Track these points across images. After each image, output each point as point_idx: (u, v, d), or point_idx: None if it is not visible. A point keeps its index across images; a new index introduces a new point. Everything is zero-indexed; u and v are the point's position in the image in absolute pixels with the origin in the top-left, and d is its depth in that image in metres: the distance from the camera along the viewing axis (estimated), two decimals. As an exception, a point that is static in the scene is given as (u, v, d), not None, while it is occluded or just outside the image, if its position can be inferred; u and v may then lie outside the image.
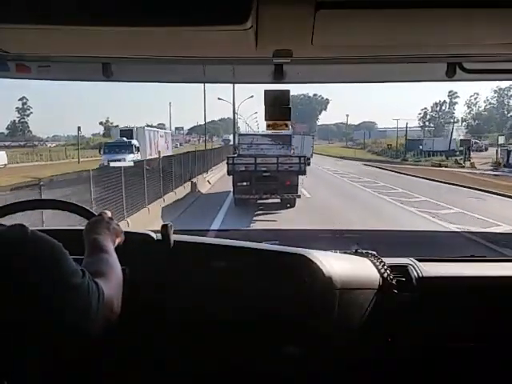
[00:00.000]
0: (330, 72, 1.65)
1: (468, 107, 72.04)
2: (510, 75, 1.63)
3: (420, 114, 73.71)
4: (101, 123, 74.91)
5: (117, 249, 1.28)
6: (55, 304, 0.94)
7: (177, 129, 77.56)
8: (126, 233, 1.42)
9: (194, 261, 1.65)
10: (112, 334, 1.40)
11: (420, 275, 1.80)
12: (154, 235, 1.66)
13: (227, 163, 15.09)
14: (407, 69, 1.59)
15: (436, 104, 74.64)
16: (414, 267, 1.83)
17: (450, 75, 1.47)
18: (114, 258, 1.23)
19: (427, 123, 72.78)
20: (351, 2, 1.02)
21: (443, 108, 74.83)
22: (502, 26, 1.13)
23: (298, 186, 14.23)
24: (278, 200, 13.88)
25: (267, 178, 14.22)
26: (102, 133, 72.07)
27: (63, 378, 1.49)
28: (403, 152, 42.68)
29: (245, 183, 14.23)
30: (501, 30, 1.16)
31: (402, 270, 1.81)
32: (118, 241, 1.35)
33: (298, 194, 14.12)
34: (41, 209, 1.74)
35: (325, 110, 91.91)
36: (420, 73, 1.66)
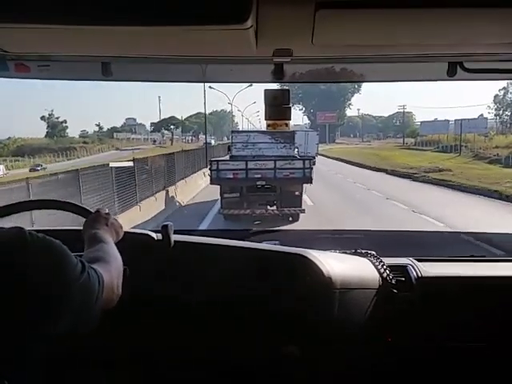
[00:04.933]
0: (330, 71, 1.65)
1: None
2: (511, 75, 1.64)
3: (498, 96, 51.06)
4: (43, 118, 56.17)
5: (117, 248, 1.28)
6: (58, 301, 0.94)
7: (153, 124, 62.07)
8: (126, 232, 1.42)
9: (194, 261, 1.65)
10: (112, 332, 1.41)
11: (419, 275, 1.80)
12: (154, 235, 1.66)
13: (210, 169, 11.74)
14: (408, 68, 1.60)
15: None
16: (413, 267, 1.83)
17: (451, 75, 1.47)
18: (112, 247, 1.24)
19: (503, 110, 50.11)
20: (351, 1, 1.02)
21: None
22: (502, 26, 1.13)
23: (301, 196, 11.39)
24: (277, 212, 11.22)
25: (262, 188, 11.42)
26: (45, 132, 54.91)
27: (64, 375, 1.49)
28: None
29: (234, 194, 11.42)
30: (502, 30, 1.16)
31: (401, 269, 1.81)
32: (116, 236, 1.36)
33: (303, 208, 11.17)
34: (37, 209, 1.74)
35: (358, 92, 64.03)
36: (421, 72, 1.67)
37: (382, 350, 1.73)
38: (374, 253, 1.88)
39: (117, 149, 48.21)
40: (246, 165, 11.56)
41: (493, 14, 1.05)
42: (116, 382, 1.61)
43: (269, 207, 11.52)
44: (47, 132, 54.94)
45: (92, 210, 1.45)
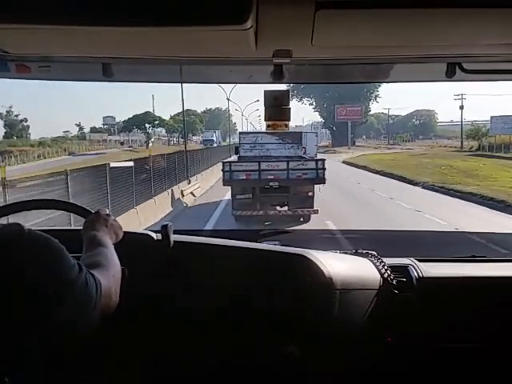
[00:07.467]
0: (329, 72, 1.66)
1: None
2: (510, 75, 1.64)
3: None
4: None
5: (117, 249, 1.28)
6: (54, 301, 0.94)
7: (124, 123, 49.24)
8: (126, 233, 1.42)
9: (193, 261, 1.65)
10: (111, 332, 1.41)
11: (420, 275, 1.80)
12: (153, 235, 1.66)
13: (222, 170, 11.85)
14: (407, 69, 1.60)
15: None
16: (414, 267, 1.83)
17: (450, 75, 1.48)
18: (111, 251, 1.23)
19: None
20: (351, 1, 1.02)
21: None
22: (501, 26, 1.13)
23: (313, 197, 11.42)
24: (290, 213, 11.21)
25: (274, 189, 11.46)
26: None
27: (63, 375, 1.50)
28: None
29: (246, 195, 11.45)
30: (500, 30, 1.16)
31: (402, 270, 1.81)
32: (116, 237, 1.35)
33: (316, 208, 11.15)
34: (38, 209, 1.74)
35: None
36: (419, 73, 1.67)
37: (382, 350, 1.73)
38: (374, 253, 1.88)
39: (70, 154, 38.73)
40: (259, 166, 11.57)
41: (491, 14, 1.05)
42: (116, 382, 1.61)
43: (280, 208, 11.50)
44: (5, 132, 46.19)
45: (92, 210, 1.45)
